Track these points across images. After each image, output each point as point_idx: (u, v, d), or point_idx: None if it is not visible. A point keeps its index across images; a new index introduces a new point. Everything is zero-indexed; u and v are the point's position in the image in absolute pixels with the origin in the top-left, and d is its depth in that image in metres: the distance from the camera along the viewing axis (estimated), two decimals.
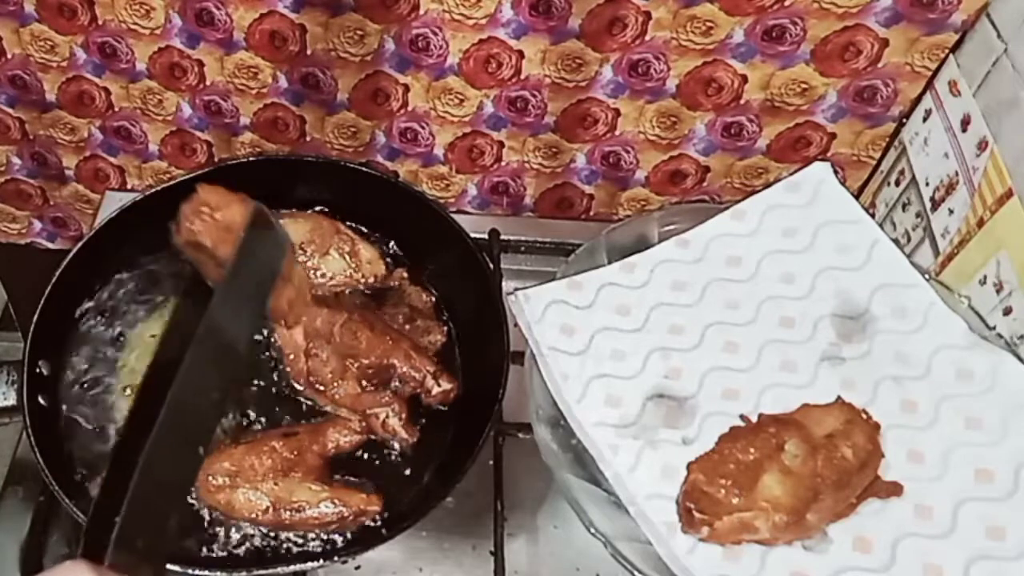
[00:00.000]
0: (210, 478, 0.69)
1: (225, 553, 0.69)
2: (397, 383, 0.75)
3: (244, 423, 0.75)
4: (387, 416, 0.73)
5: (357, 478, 0.72)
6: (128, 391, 0.77)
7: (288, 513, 0.69)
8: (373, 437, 0.74)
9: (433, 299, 0.83)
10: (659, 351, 0.72)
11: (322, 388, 0.75)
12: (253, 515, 0.69)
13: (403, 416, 0.74)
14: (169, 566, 0.64)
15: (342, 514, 0.68)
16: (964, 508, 0.62)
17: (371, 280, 0.83)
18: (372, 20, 0.87)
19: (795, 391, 0.69)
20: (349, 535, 0.69)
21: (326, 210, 0.86)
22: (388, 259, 0.84)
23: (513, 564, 0.71)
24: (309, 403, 0.76)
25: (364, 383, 0.74)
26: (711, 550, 0.62)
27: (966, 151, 0.77)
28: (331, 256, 0.82)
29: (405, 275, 0.84)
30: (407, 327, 0.79)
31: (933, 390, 0.67)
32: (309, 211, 0.86)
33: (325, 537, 0.69)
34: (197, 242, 0.68)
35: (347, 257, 0.82)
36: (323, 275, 0.82)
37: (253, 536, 0.69)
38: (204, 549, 0.69)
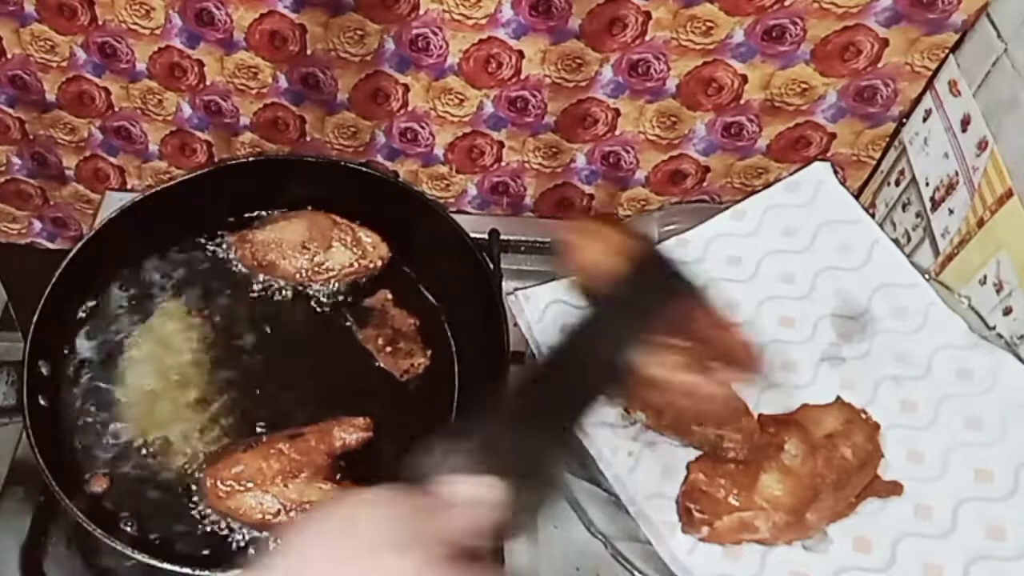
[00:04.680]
0: (218, 484, 0.69)
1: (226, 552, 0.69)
2: None
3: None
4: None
5: (358, 479, 0.72)
6: (128, 390, 0.77)
7: (299, 515, 0.68)
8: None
9: (417, 323, 0.81)
10: None
11: None
12: (265, 518, 0.69)
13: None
14: (168, 566, 0.64)
15: None
16: (964, 508, 0.62)
17: (379, 264, 0.83)
18: (372, 20, 0.87)
19: (795, 391, 0.69)
20: None
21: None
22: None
23: (513, 564, 0.71)
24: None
25: None
26: (711, 550, 0.62)
27: (966, 151, 0.77)
28: (335, 248, 0.82)
29: (389, 296, 0.82)
30: (388, 349, 0.79)
31: (933, 390, 0.67)
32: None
33: None
34: None
35: (351, 247, 0.82)
36: (330, 269, 0.82)
37: (255, 538, 0.70)
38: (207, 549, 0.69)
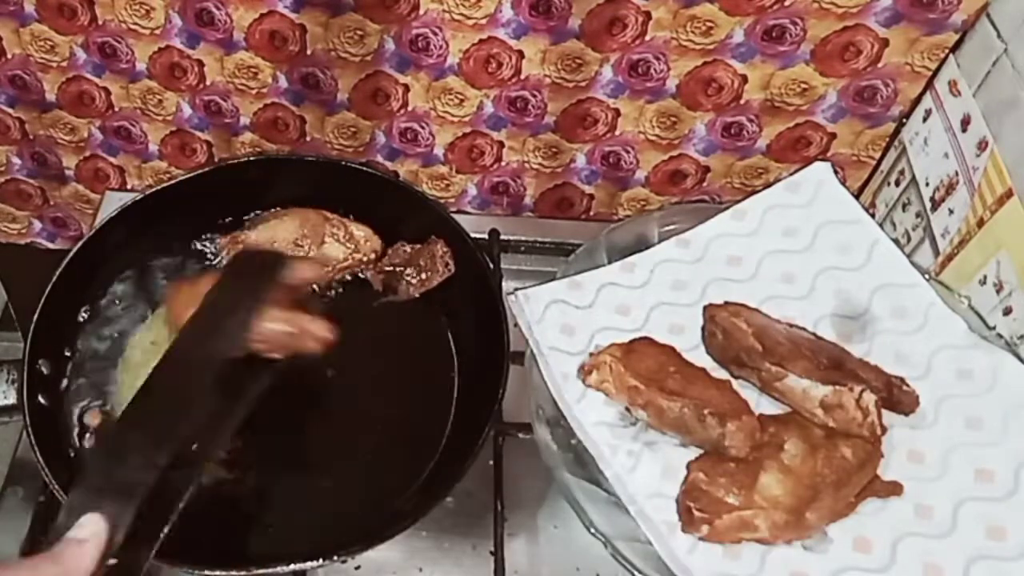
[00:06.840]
0: None
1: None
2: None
3: None
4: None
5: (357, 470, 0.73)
6: (128, 390, 0.77)
7: None
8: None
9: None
10: None
11: None
12: None
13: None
14: (169, 565, 0.64)
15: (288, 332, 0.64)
16: (964, 508, 0.62)
17: (372, 256, 0.83)
18: (372, 20, 0.87)
19: None
20: (349, 536, 0.69)
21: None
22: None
23: (513, 564, 0.71)
24: None
25: None
26: (711, 549, 0.62)
27: (966, 151, 0.77)
28: (328, 244, 0.82)
29: None
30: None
31: (933, 390, 0.67)
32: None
33: (325, 537, 0.69)
34: None
35: (344, 242, 0.82)
36: (324, 264, 0.82)
37: None
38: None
